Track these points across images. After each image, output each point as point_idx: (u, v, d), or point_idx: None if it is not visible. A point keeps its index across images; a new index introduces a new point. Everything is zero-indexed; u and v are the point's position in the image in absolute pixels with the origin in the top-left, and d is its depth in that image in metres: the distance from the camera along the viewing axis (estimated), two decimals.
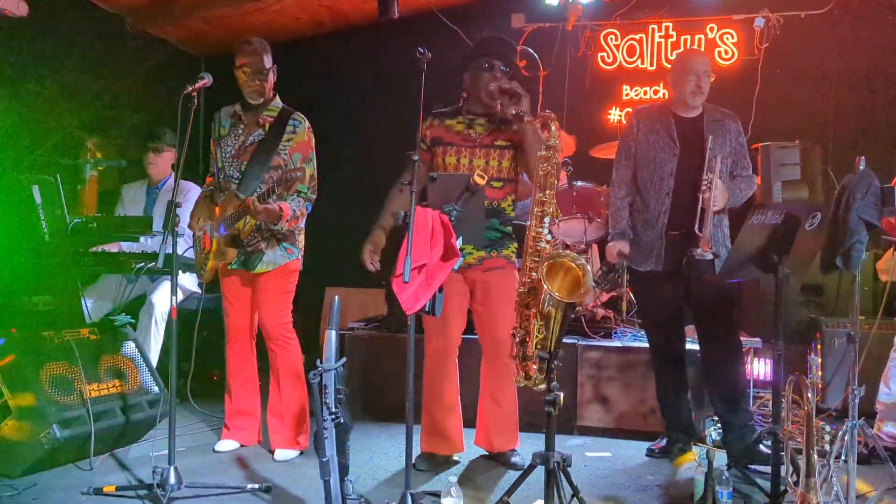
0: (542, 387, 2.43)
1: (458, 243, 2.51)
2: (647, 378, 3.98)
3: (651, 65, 5.89)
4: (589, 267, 2.30)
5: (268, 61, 3.42)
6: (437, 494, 2.57)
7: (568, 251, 2.37)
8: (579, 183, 4.98)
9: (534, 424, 3.57)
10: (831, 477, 2.59)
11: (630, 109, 5.93)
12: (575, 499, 2.40)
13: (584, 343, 4.18)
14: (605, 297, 5.03)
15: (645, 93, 5.92)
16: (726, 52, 5.72)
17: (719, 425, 3.73)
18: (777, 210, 2.70)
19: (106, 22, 5.30)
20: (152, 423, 3.47)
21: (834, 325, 4.27)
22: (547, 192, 2.57)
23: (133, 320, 3.96)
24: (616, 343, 4.23)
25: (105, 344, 3.50)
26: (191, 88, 2.89)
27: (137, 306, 4.25)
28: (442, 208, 2.56)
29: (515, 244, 3.31)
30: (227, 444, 3.57)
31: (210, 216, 3.42)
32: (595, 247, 5.16)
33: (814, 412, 2.30)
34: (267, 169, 3.36)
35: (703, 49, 5.76)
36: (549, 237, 2.48)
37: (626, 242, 3.53)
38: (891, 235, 3.35)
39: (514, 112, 2.93)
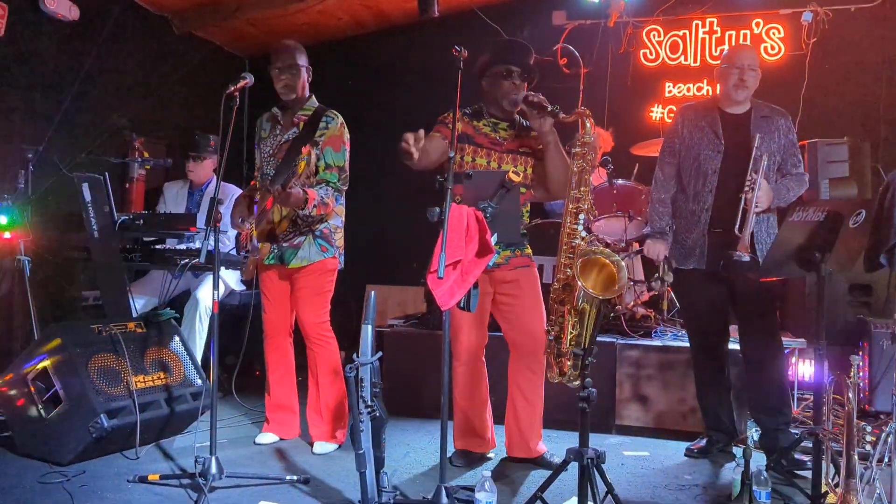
0: (577, 383, 2.42)
1: (493, 240, 2.52)
2: (687, 377, 3.93)
3: (695, 61, 5.80)
4: (623, 263, 2.28)
5: (300, 59, 3.49)
6: (471, 489, 2.58)
7: (602, 247, 2.36)
8: (620, 181, 4.93)
9: (570, 422, 3.55)
10: (874, 479, 2.52)
11: (673, 106, 5.86)
12: (609, 496, 2.38)
13: (624, 342, 4.15)
14: (645, 296, 4.98)
15: (689, 90, 5.82)
16: (773, 48, 5.60)
17: None
18: (819, 207, 2.64)
19: (153, 24, 5.45)
20: (195, 414, 3.56)
21: (883, 327, 4.15)
22: (582, 188, 2.56)
23: (178, 315, 4.07)
24: (656, 342, 4.18)
25: (151, 337, 3.61)
26: (233, 88, 2.95)
27: (183, 301, 4.38)
28: (477, 205, 2.57)
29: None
30: (267, 437, 3.65)
31: (248, 213, 3.49)
32: (636, 245, 5.11)
33: (855, 413, 2.25)
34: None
35: (748, 44, 5.66)
36: (584, 234, 2.47)
37: (665, 243, 3.50)
38: None
39: (537, 130, 2.94)
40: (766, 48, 5.60)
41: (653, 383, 4.04)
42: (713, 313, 3.50)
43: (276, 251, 3.47)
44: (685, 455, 3.56)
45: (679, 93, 5.84)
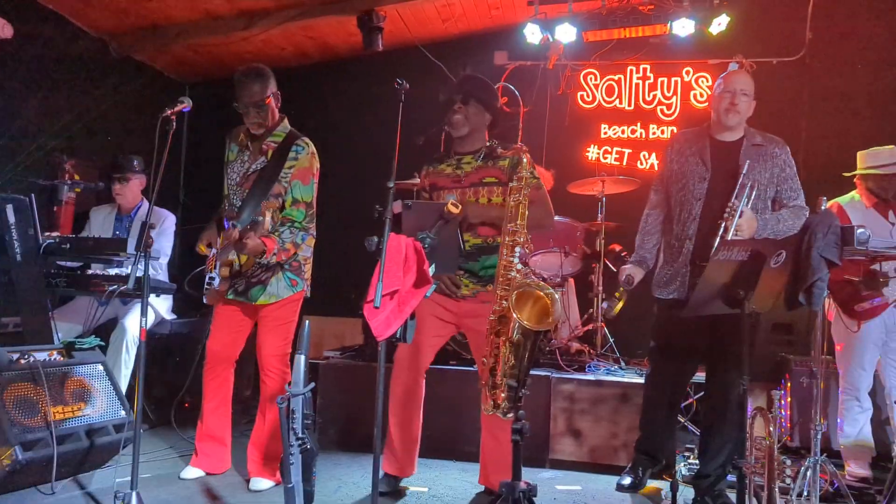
0: (510, 415, 2.43)
1: (431, 271, 2.53)
2: (619, 412, 4.00)
3: (629, 105, 6.03)
4: (557, 296, 2.32)
5: (262, 90, 3.35)
6: None
7: (537, 280, 2.40)
8: (557, 218, 5.05)
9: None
10: None
11: (608, 147, 6.06)
12: None
13: (558, 376, 4.19)
14: (580, 330, 5.06)
15: (623, 132, 6.04)
16: (701, 96, 5.87)
17: (691, 461, 3.75)
18: (743, 247, 2.75)
19: (90, 46, 5.34)
20: (117, 448, 3.41)
21: (801, 364, 4.32)
22: (518, 222, 2.60)
23: (104, 343, 3.92)
24: (589, 377, 4.24)
25: (73, 366, 3.46)
26: (169, 112, 2.89)
27: (109, 330, 4.22)
28: (416, 235, 2.59)
29: None
30: (192, 472, 3.52)
31: (214, 242, 3.36)
32: (572, 280, 5.22)
33: (776, 447, 2.32)
34: (267, 198, 3.34)
35: (678, 92, 5.92)
36: (519, 267, 2.51)
37: (641, 270, 3.49)
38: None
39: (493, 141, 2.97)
40: (695, 95, 5.87)
41: (586, 417, 4.08)
42: (686, 345, 3.37)
43: (239, 286, 3.37)
44: (616, 489, 3.60)
45: (614, 134, 6.05)
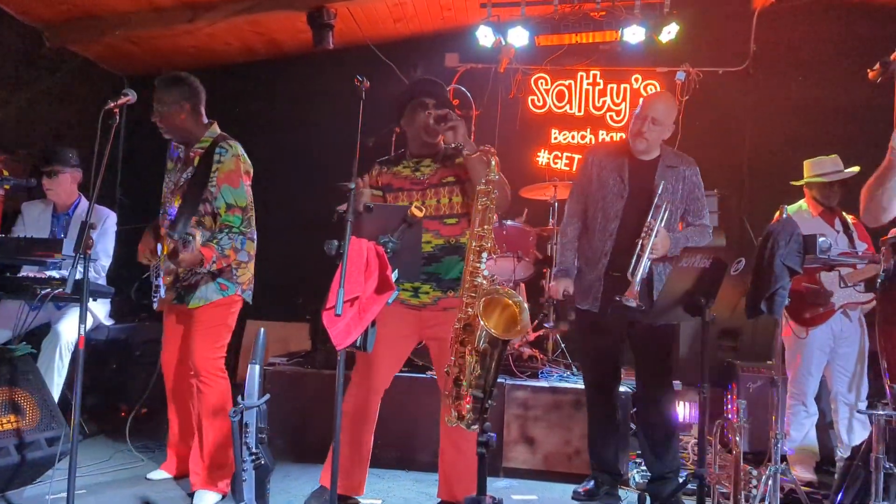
0: (475, 427, 2.36)
1: (394, 277, 2.44)
2: (573, 419, 3.98)
3: (579, 110, 6.05)
4: (526, 305, 2.27)
5: (167, 95, 3.27)
6: None
7: (505, 287, 2.33)
8: (509, 222, 5.03)
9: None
10: None
11: (559, 152, 6.06)
12: None
13: (512, 382, 4.15)
14: (531, 336, 5.04)
15: (573, 137, 6.06)
16: None
17: (643, 468, 3.75)
18: (705, 254, 2.76)
19: (23, 36, 5.04)
20: (51, 462, 3.20)
21: (748, 370, 4.39)
22: (485, 226, 2.53)
23: (35, 351, 3.68)
24: (543, 383, 4.22)
25: (2, 376, 3.23)
26: (112, 105, 2.72)
27: (41, 336, 3.97)
28: (378, 239, 2.49)
29: None
30: (159, 474, 3.49)
31: (154, 251, 3.24)
32: (523, 285, 5.19)
33: (741, 457, 2.32)
34: (199, 206, 3.22)
35: (627, 99, 5.97)
36: (486, 273, 2.44)
37: (570, 280, 3.50)
38: None
39: (453, 142, 2.86)
40: None
41: (540, 424, 4.05)
42: (606, 356, 3.51)
43: (178, 290, 3.26)
44: (572, 498, 3.57)
45: (564, 139, 6.07)
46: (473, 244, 2.51)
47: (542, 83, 6.10)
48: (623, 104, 6.00)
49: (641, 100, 3.49)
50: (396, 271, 2.45)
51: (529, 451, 4.03)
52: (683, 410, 4.59)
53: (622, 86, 6.02)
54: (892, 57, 3.18)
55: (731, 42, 5.83)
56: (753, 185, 5.66)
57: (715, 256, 2.79)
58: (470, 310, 2.39)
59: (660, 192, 3.26)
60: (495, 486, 3.77)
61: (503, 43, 5.60)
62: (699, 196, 3.44)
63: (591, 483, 3.58)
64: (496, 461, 3.99)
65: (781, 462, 2.71)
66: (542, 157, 6.07)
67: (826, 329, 3.90)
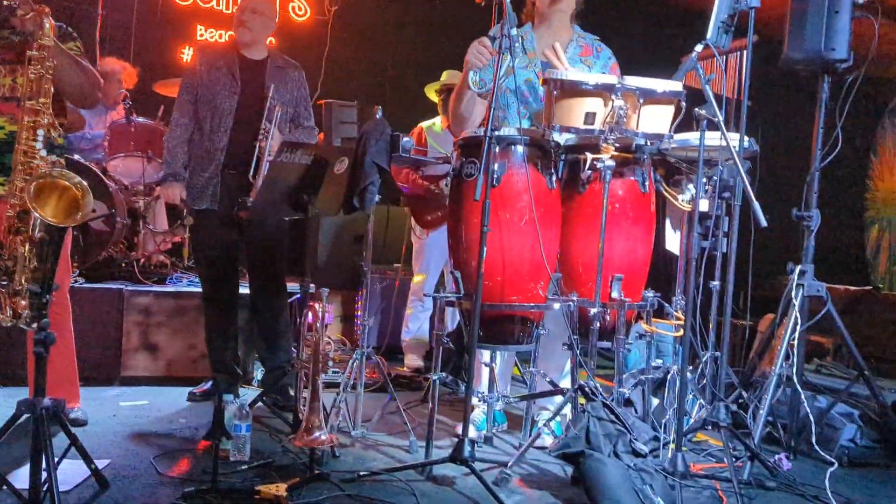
0: (35, 326, 2.14)
1: None
2: (199, 323, 3.86)
3: (227, 7, 5.72)
4: (88, 187, 2.07)
5: None
6: None
7: (64, 170, 2.11)
8: (140, 119, 4.62)
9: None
10: (339, 402, 2.82)
11: None
12: (73, 447, 2.19)
13: (132, 288, 3.93)
14: (167, 244, 4.78)
15: (220, 36, 5.71)
16: (300, 9, 5.86)
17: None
18: (307, 151, 2.81)
19: None
20: None
21: (374, 272, 4.67)
22: (41, 99, 2.23)
23: None
24: (168, 288, 4.06)
25: None
26: None
27: None
28: None
29: None
30: None
31: None
32: (157, 188, 4.86)
33: (322, 342, 2.45)
34: None
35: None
36: (44, 153, 2.18)
37: (182, 185, 3.40)
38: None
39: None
40: (294, 8, 5.85)
41: (163, 331, 3.91)
42: (224, 257, 3.48)
43: None
44: (188, 399, 3.53)
45: (211, 37, 5.69)
46: (26, 120, 2.21)
47: None
48: None
49: None
50: None
51: (151, 359, 3.88)
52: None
53: None
54: None
55: None
56: (393, 93, 5.90)
57: (317, 154, 2.85)
58: (23, 195, 2.12)
59: (271, 94, 3.31)
60: (105, 394, 3.57)
61: None
62: (306, 97, 3.56)
63: (209, 384, 3.57)
64: (113, 371, 3.79)
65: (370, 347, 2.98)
66: (187, 55, 5.65)
67: (445, 231, 4.28)
